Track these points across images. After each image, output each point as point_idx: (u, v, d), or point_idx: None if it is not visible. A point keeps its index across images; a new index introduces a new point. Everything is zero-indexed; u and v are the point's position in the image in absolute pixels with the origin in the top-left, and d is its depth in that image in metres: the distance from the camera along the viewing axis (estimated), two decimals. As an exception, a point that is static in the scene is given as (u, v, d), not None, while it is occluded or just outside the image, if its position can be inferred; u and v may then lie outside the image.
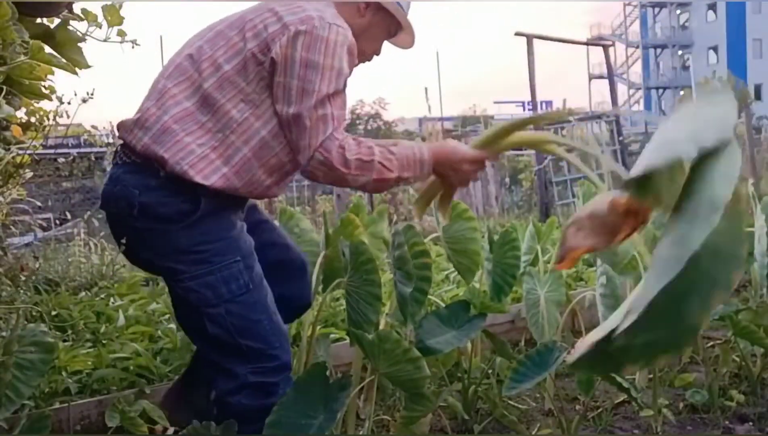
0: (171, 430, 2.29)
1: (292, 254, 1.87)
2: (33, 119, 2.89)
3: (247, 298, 1.55)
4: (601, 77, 32.87)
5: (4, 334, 1.86)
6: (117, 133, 1.57)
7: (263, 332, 1.57)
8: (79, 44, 1.91)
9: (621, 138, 8.32)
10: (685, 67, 41.17)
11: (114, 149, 1.72)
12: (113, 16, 1.84)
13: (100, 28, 1.87)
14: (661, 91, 43.21)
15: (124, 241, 1.59)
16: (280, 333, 1.61)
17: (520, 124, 1.41)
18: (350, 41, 1.53)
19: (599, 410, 2.46)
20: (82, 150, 7.70)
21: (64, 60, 1.88)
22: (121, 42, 1.91)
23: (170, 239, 1.51)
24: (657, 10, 43.85)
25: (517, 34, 7.57)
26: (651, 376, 2.52)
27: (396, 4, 1.70)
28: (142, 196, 1.48)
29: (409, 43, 1.81)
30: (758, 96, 36.67)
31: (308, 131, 1.47)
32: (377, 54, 1.77)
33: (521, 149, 11.81)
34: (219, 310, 1.53)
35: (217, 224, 1.54)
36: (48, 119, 2.94)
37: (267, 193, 1.66)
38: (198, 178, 1.46)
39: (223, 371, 1.57)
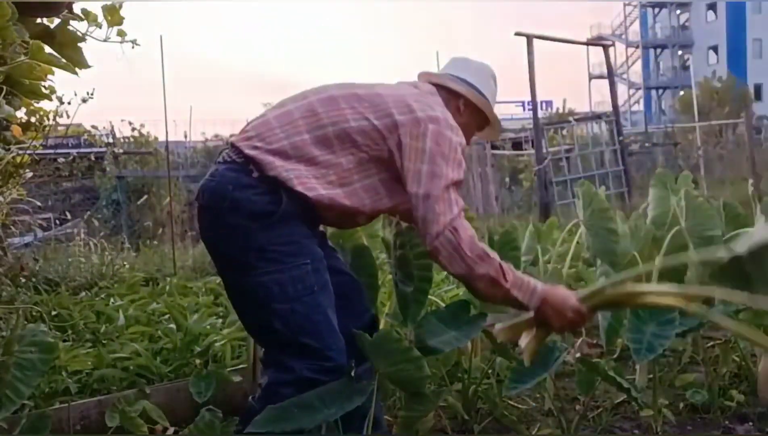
0: (171, 430, 2.29)
1: (352, 280, 1.96)
2: (33, 119, 2.89)
3: (311, 299, 1.65)
4: (601, 77, 32.84)
5: (4, 334, 1.87)
6: (233, 136, 1.73)
7: (322, 333, 1.66)
8: (79, 44, 1.91)
9: (621, 138, 8.31)
10: (685, 67, 41.16)
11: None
12: (113, 16, 1.84)
13: (100, 28, 1.88)
14: (661, 91, 43.20)
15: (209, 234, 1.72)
16: (338, 338, 1.69)
17: (624, 290, 1.58)
18: (463, 142, 1.76)
19: (599, 410, 2.46)
20: (82, 150, 7.71)
21: (64, 60, 1.88)
22: (121, 42, 1.91)
23: (252, 236, 1.62)
24: (657, 10, 43.84)
25: (517, 34, 7.57)
26: (651, 376, 2.52)
27: (487, 102, 1.92)
28: (235, 192, 1.62)
29: (495, 137, 2.07)
30: (758, 96, 36.71)
31: (438, 210, 1.63)
32: (468, 145, 1.95)
33: (521, 151, 11.80)
34: (285, 307, 1.63)
35: (296, 228, 1.67)
36: (48, 119, 2.94)
37: (343, 226, 1.91)
38: (297, 187, 1.62)
39: (279, 364, 1.66)
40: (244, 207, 1.62)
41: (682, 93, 33.26)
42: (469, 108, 1.91)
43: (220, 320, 3.04)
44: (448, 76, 1.91)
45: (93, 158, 7.58)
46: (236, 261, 1.66)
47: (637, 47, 43.11)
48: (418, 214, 1.66)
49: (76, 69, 1.94)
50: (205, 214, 1.71)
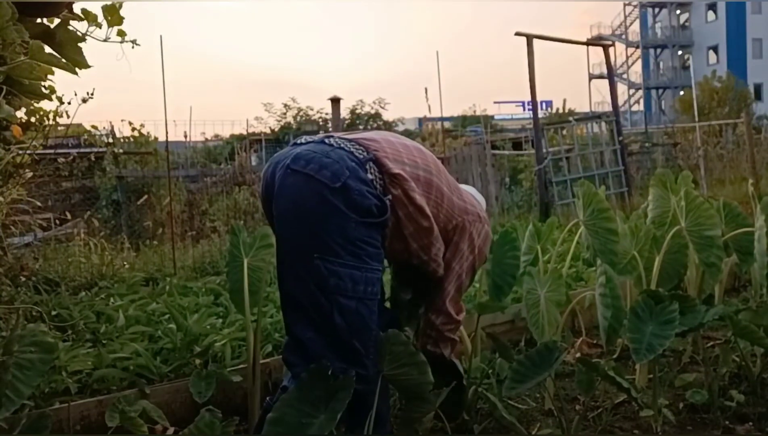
0: (171, 430, 2.29)
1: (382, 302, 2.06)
2: (33, 119, 2.89)
3: (372, 305, 1.73)
4: (601, 77, 32.86)
5: (4, 334, 1.87)
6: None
7: (371, 342, 1.73)
8: (79, 44, 1.91)
9: (621, 138, 8.31)
10: (685, 67, 41.16)
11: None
12: (113, 16, 1.84)
13: (100, 28, 1.88)
14: (661, 91, 43.18)
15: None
16: (376, 350, 1.76)
17: None
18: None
19: (599, 410, 2.46)
20: (82, 150, 7.70)
21: (64, 60, 1.88)
22: (121, 42, 1.91)
23: (348, 226, 1.65)
24: (657, 10, 43.83)
25: (517, 34, 7.57)
26: (651, 376, 2.52)
27: None
28: (350, 180, 1.66)
29: None
30: (758, 96, 36.69)
31: (458, 290, 2.05)
32: None
33: (521, 151, 11.79)
34: (351, 304, 1.67)
35: (383, 235, 1.76)
36: (48, 119, 2.94)
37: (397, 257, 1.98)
38: (415, 195, 1.77)
39: (320, 357, 1.66)
40: (354, 197, 1.65)
41: (682, 93, 33.27)
42: None
43: (220, 320, 3.04)
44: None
45: (93, 158, 7.57)
46: (319, 240, 1.65)
47: (637, 47, 43.10)
48: (444, 284, 2.00)
49: (76, 69, 1.94)
50: (305, 182, 1.67)
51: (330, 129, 15.68)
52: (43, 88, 2.07)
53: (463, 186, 2.15)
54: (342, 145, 1.75)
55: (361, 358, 1.70)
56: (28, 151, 2.50)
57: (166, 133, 5.89)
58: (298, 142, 1.83)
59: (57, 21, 1.90)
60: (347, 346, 1.68)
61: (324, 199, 1.64)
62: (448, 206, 1.92)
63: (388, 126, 22.70)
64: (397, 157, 1.79)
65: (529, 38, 7.49)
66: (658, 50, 43.78)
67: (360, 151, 1.74)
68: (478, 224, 2.04)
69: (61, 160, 4.95)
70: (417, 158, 1.85)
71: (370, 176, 1.70)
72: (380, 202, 1.70)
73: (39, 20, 1.90)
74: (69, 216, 6.37)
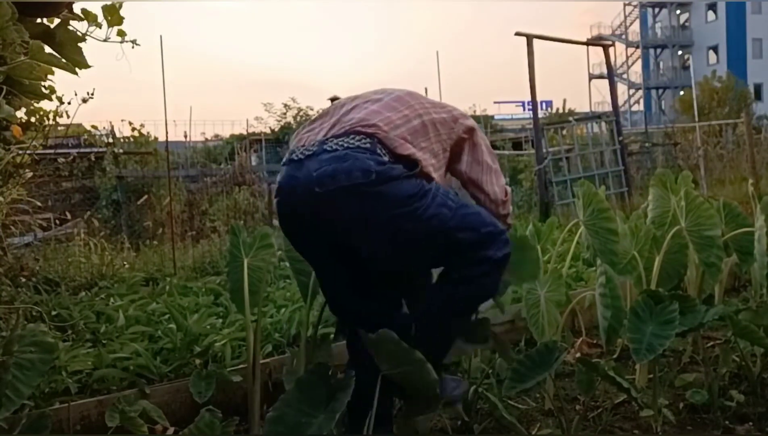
0: (171, 430, 2.29)
1: None
2: (33, 119, 2.89)
3: (461, 199, 1.95)
4: (601, 77, 32.84)
5: (4, 334, 1.87)
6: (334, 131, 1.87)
7: (482, 216, 1.93)
8: (79, 44, 1.91)
9: (621, 138, 8.31)
10: (685, 67, 41.14)
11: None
12: (113, 16, 1.84)
13: (100, 28, 1.88)
14: (661, 91, 43.17)
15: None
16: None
17: None
18: None
19: (599, 410, 2.46)
20: (82, 150, 7.71)
21: (64, 60, 1.88)
22: (121, 42, 1.91)
23: (401, 189, 1.80)
24: (657, 10, 43.82)
25: (517, 34, 7.56)
26: (651, 376, 2.52)
27: None
28: (378, 166, 1.77)
29: None
30: (758, 96, 36.68)
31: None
32: None
33: (521, 151, 11.79)
34: (458, 217, 1.84)
35: (417, 180, 1.86)
36: (48, 119, 2.94)
37: None
38: (427, 169, 1.89)
39: (475, 261, 1.84)
40: (388, 174, 1.77)
41: (682, 93, 33.25)
42: None
43: (220, 320, 3.04)
44: None
45: (93, 158, 7.58)
46: (399, 218, 1.79)
47: (637, 47, 43.10)
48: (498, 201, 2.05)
49: (76, 69, 1.94)
50: (346, 195, 1.77)
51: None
52: (43, 88, 2.07)
53: None
54: (346, 145, 1.81)
55: (492, 231, 1.87)
56: (28, 151, 2.50)
57: (166, 133, 5.90)
58: (295, 157, 1.86)
59: (57, 21, 1.90)
60: (481, 234, 1.85)
61: (374, 193, 1.77)
62: (443, 129, 1.99)
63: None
64: (394, 128, 1.87)
65: (529, 38, 7.48)
66: (658, 50, 43.77)
67: (364, 142, 1.81)
68: (466, 122, 2.08)
69: (61, 160, 4.95)
70: (406, 111, 1.93)
71: (385, 158, 1.81)
72: (405, 165, 1.82)
73: (39, 20, 1.90)
74: (69, 216, 6.37)
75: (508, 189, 2.14)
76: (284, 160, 1.91)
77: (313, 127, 1.97)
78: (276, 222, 2.17)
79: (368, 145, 1.81)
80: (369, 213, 1.79)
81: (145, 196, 7.85)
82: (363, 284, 1.96)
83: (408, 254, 1.88)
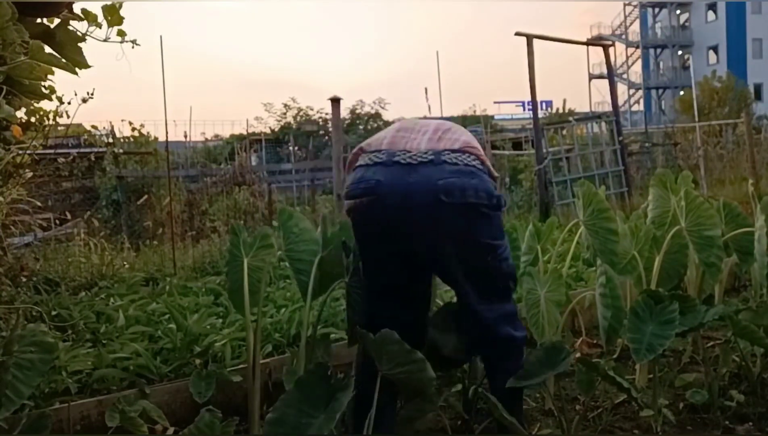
0: (171, 430, 2.29)
1: None
2: (33, 119, 2.89)
3: None
4: (601, 77, 32.83)
5: (4, 334, 1.87)
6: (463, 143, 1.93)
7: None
8: (79, 44, 1.91)
9: (621, 138, 8.30)
10: (685, 67, 41.13)
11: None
12: (113, 16, 1.84)
13: (100, 28, 1.88)
14: (661, 91, 43.16)
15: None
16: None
17: None
18: None
19: (599, 410, 2.46)
20: (82, 150, 7.71)
21: (64, 60, 1.88)
22: (121, 42, 1.91)
23: (498, 223, 1.96)
24: (657, 10, 43.81)
25: (517, 34, 7.56)
26: (651, 376, 2.52)
27: None
28: (497, 192, 1.90)
29: None
30: (758, 96, 36.68)
31: None
32: None
33: (521, 151, 11.79)
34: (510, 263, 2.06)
35: None
36: (48, 119, 2.94)
37: None
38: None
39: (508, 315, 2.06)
40: (501, 203, 1.90)
41: (682, 93, 33.25)
42: None
43: (220, 320, 3.04)
44: None
45: (93, 158, 7.58)
46: (488, 248, 1.93)
47: (637, 47, 43.09)
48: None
49: (76, 69, 1.94)
50: (465, 210, 1.83)
51: (329, 129, 15.63)
52: (43, 88, 2.07)
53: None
54: (466, 162, 1.86)
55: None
56: (28, 151, 2.50)
57: (166, 133, 5.90)
58: (402, 161, 1.85)
59: (57, 21, 1.90)
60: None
61: (481, 216, 1.86)
62: None
63: (388, 126, 22.70)
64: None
65: (529, 38, 7.48)
66: (658, 50, 43.77)
67: (479, 164, 1.88)
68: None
69: (61, 160, 4.95)
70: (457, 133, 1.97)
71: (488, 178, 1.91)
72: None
73: (39, 20, 1.90)
74: (69, 216, 6.37)
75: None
76: (372, 160, 1.88)
77: (404, 135, 1.96)
78: (276, 222, 2.17)
79: (482, 167, 1.87)
80: (473, 233, 1.86)
81: (145, 197, 7.84)
82: (410, 293, 2.02)
83: (462, 276, 1.96)
